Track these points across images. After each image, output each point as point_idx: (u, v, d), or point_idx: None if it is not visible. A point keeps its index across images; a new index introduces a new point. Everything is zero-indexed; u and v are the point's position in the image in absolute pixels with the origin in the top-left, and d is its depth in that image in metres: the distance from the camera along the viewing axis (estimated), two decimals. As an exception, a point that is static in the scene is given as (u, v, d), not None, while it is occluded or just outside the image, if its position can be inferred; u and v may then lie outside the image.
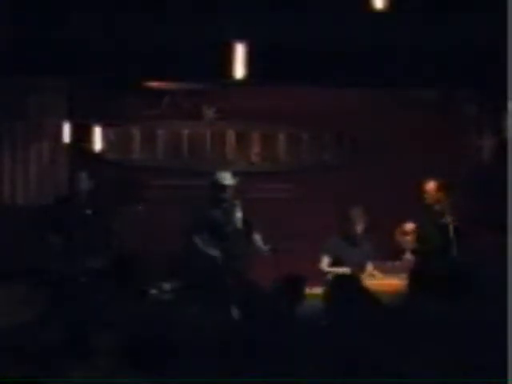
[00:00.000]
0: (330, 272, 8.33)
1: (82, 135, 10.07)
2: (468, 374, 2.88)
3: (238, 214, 8.48)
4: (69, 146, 10.01)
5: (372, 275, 8.39)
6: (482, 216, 9.56)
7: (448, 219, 8.63)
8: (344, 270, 8.37)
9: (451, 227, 8.53)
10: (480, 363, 2.93)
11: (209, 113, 10.52)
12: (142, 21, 8.51)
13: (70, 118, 9.97)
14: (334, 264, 8.55)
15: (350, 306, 3.92)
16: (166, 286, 7.70)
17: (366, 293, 4.25)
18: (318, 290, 6.59)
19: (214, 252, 8.33)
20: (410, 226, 9.00)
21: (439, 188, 8.92)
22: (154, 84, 10.05)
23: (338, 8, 8.15)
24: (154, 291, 6.88)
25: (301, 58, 8.95)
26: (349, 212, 8.68)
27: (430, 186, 8.96)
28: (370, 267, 8.55)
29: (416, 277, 4.35)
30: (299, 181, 10.41)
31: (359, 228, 8.63)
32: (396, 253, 9.02)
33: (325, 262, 8.59)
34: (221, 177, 8.50)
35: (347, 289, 4.36)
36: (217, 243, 8.37)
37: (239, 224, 8.46)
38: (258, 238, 8.45)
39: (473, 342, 3.06)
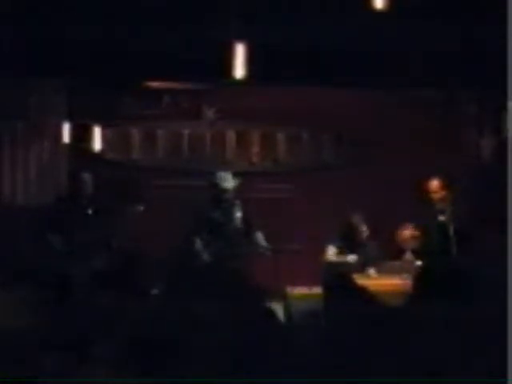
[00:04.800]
0: (334, 262, 8.38)
1: (82, 135, 10.08)
2: (468, 374, 2.88)
3: (238, 214, 8.49)
4: (69, 146, 10.01)
5: (367, 275, 8.40)
6: (482, 216, 9.56)
7: (450, 218, 8.65)
8: (350, 257, 8.37)
9: (451, 226, 8.55)
10: (480, 363, 2.93)
11: (209, 113, 10.52)
12: (141, 21, 8.51)
13: (70, 118, 9.97)
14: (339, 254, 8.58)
15: (347, 305, 3.93)
16: (166, 285, 7.68)
17: (362, 293, 4.26)
18: (317, 290, 6.61)
19: (214, 252, 8.34)
20: (408, 232, 8.96)
21: (443, 187, 8.93)
22: (154, 84, 10.05)
23: (337, 8, 8.15)
24: (155, 291, 6.86)
25: (301, 58, 8.96)
26: (350, 219, 8.69)
27: (434, 184, 8.97)
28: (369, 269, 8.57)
29: (421, 276, 4.34)
30: (299, 181, 10.42)
31: (362, 235, 8.65)
32: (396, 253, 9.02)
33: (330, 252, 8.60)
34: (221, 179, 8.50)
35: (343, 288, 4.37)
36: (216, 243, 8.38)
37: (239, 224, 8.48)
38: (259, 236, 8.48)
39: (472, 341, 3.06)
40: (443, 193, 8.91)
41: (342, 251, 8.60)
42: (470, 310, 3.26)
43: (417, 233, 8.88)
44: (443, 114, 10.45)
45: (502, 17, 7.33)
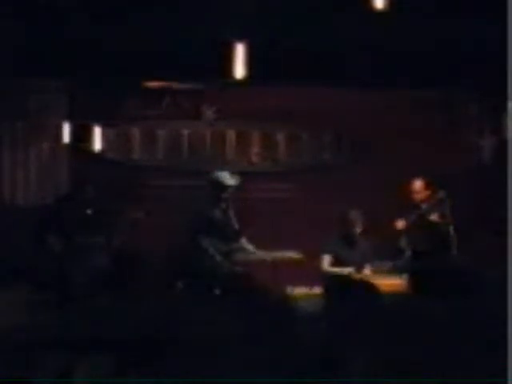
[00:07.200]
0: (331, 272, 8.39)
1: (82, 135, 10.07)
2: (468, 374, 2.88)
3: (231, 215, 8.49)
4: (69, 145, 10.01)
5: (366, 276, 8.41)
6: (482, 216, 9.57)
7: (436, 217, 8.66)
8: (346, 270, 8.39)
9: (443, 226, 8.56)
10: (480, 363, 2.93)
11: (209, 113, 10.52)
12: (142, 21, 8.52)
13: (70, 118, 9.98)
14: (334, 263, 8.58)
15: (348, 304, 3.93)
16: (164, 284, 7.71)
17: (364, 292, 4.27)
18: (317, 290, 6.62)
19: (216, 251, 8.34)
20: (400, 224, 8.94)
21: (426, 187, 8.92)
22: (154, 84, 10.06)
23: (337, 8, 8.15)
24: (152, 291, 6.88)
25: (301, 58, 8.96)
26: (347, 214, 8.70)
27: (417, 185, 8.97)
28: (367, 268, 8.58)
29: (416, 276, 4.36)
30: (299, 181, 10.42)
31: (357, 230, 8.66)
32: (396, 253, 9.01)
33: (326, 262, 8.61)
34: (222, 176, 8.48)
35: (345, 288, 4.38)
36: (217, 242, 8.37)
37: (235, 224, 8.47)
38: (243, 241, 8.44)
39: (473, 341, 3.06)
40: (426, 193, 8.91)
41: (337, 260, 8.60)
42: (467, 310, 3.26)
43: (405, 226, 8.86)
44: (443, 114, 10.45)
45: (503, 17, 7.34)
